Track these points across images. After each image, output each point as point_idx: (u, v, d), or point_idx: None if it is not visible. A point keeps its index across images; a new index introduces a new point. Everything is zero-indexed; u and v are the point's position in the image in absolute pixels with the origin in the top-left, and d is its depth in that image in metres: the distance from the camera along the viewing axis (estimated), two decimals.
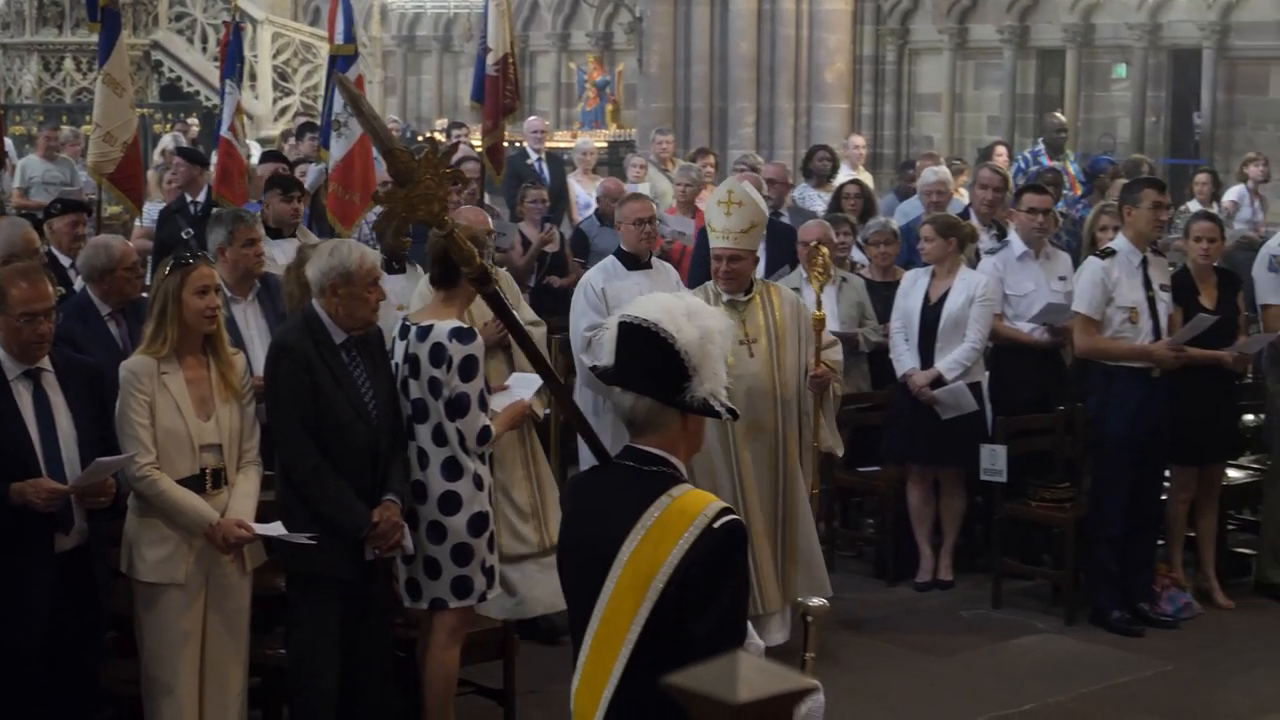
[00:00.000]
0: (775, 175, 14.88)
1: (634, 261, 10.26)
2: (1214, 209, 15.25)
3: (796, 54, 23.23)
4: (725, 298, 9.03)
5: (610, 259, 10.44)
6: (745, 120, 23.33)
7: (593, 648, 4.69)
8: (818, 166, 17.14)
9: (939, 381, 10.64)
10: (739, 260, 9.10)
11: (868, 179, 17.49)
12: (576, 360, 10.21)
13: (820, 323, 9.28)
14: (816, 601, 5.01)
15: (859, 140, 19.87)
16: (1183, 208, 13.88)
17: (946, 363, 10.64)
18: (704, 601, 4.52)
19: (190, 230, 13.02)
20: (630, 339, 4.70)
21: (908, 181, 16.16)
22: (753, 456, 9.06)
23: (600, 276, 10.22)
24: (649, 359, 4.65)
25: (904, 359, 10.84)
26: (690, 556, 4.54)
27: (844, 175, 16.81)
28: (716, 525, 4.56)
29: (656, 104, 23.49)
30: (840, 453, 9.85)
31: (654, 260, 10.51)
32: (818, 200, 16.03)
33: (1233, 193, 17.67)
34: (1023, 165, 18.07)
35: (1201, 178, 17.34)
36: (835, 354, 9.45)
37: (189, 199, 14.00)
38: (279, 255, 10.11)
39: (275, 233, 10.74)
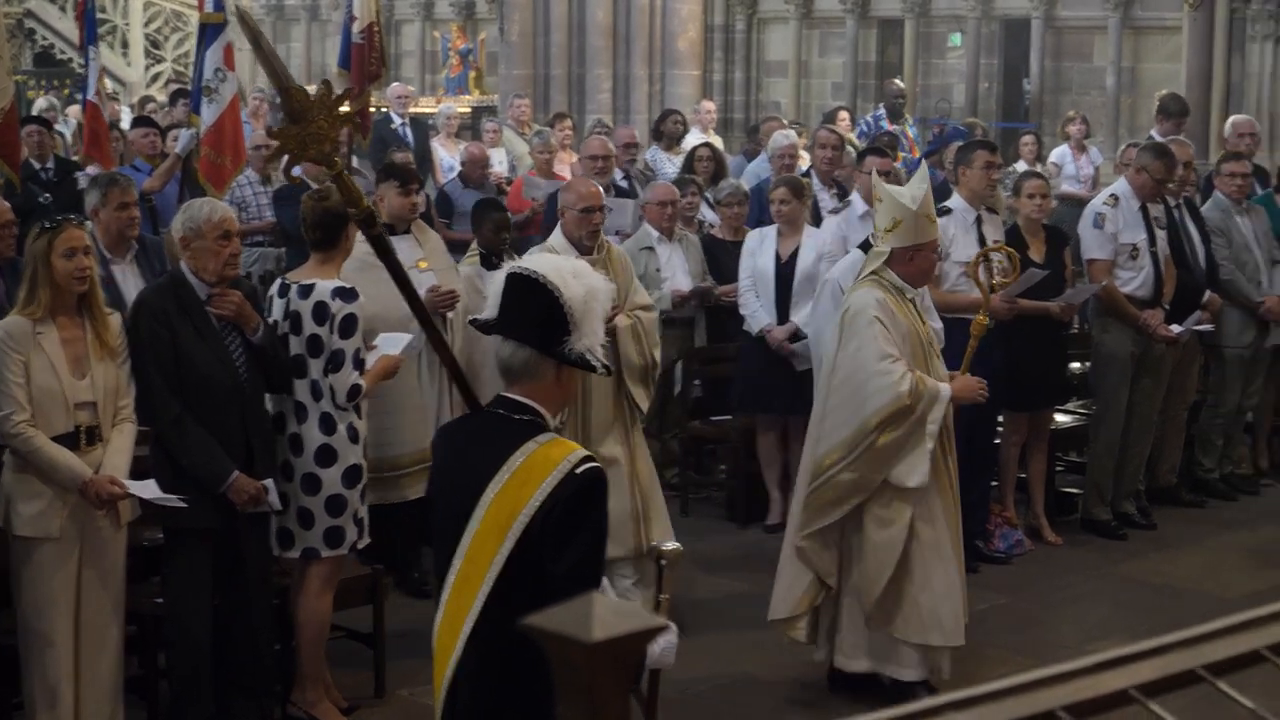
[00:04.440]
0: (626, 139, 14.91)
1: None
2: (1039, 168, 15.40)
3: (651, 23, 23.21)
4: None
5: (857, 254, 9.41)
6: (602, 86, 23.29)
7: (454, 586, 4.70)
8: (669, 130, 17.16)
9: (796, 335, 10.70)
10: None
11: (718, 142, 17.50)
12: None
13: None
14: (670, 545, 5.05)
15: (709, 105, 19.89)
16: (1010, 168, 14.00)
17: (802, 317, 10.70)
18: (563, 543, 4.54)
19: (48, 195, 12.74)
20: (516, 290, 4.73)
21: (755, 144, 16.20)
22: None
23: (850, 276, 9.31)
24: (533, 310, 4.68)
25: (759, 315, 10.87)
26: (552, 500, 4.56)
27: (694, 139, 16.81)
28: (579, 471, 4.60)
29: (517, 71, 23.40)
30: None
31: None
32: (669, 163, 16.04)
33: (1056, 154, 17.86)
34: (865, 129, 18.18)
35: (1027, 139, 17.53)
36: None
37: (38, 166, 13.61)
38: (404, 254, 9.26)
39: (390, 229, 9.12)
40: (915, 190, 7.79)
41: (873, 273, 7.75)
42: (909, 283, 7.77)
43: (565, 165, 15.38)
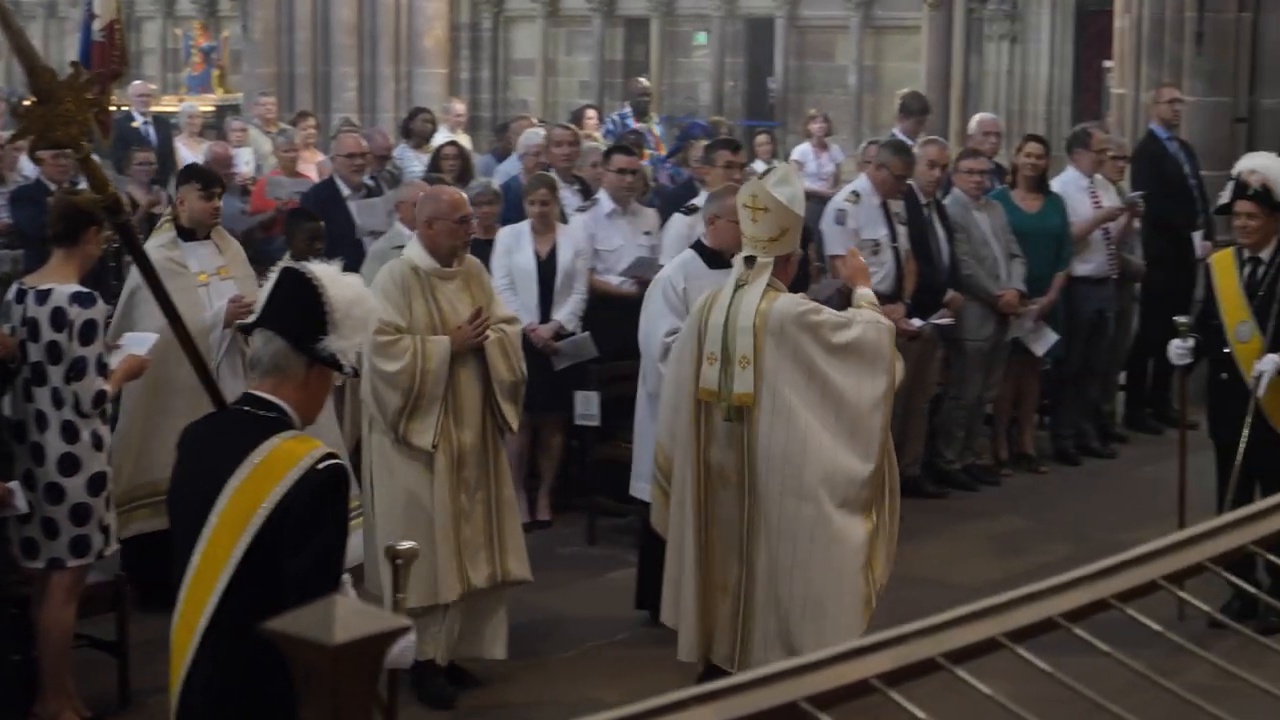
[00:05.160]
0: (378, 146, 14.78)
1: (716, 259, 8.78)
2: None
3: (397, 21, 23.09)
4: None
5: (690, 254, 8.99)
6: (348, 85, 23.10)
7: (191, 583, 4.63)
8: (418, 129, 17.09)
9: (559, 334, 10.69)
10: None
11: (466, 141, 17.46)
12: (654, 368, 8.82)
13: None
14: (405, 545, 5.02)
15: (460, 106, 19.84)
16: (748, 167, 14.14)
17: (565, 314, 10.71)
18: (302, 540, 4.50)
19: None
20: (285, 284, 4.72)
21: (505, 143, 16.18)
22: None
23: (681, 275, 8.80)
24: (296, 303, 4.67)
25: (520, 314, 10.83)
26: (291, 495, 4.52)
27: (442, 137, 16.75)
28: (320, 467, 4.56)
29: (261, 69, 23.13)
30: None
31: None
32: (416, 162, 15.94)
33: (798, 152, 18.08)
34: (612, 127, 18.24)
35: (762, 139, 17.69)
36: None
37: None
38: (193, 262, 8.88)
39: (190, 234, 9.00)
40: (799, 196, 7.79)
41: (770, 285, 7.68)
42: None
43: (310, 164, 15.23)
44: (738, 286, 7.66)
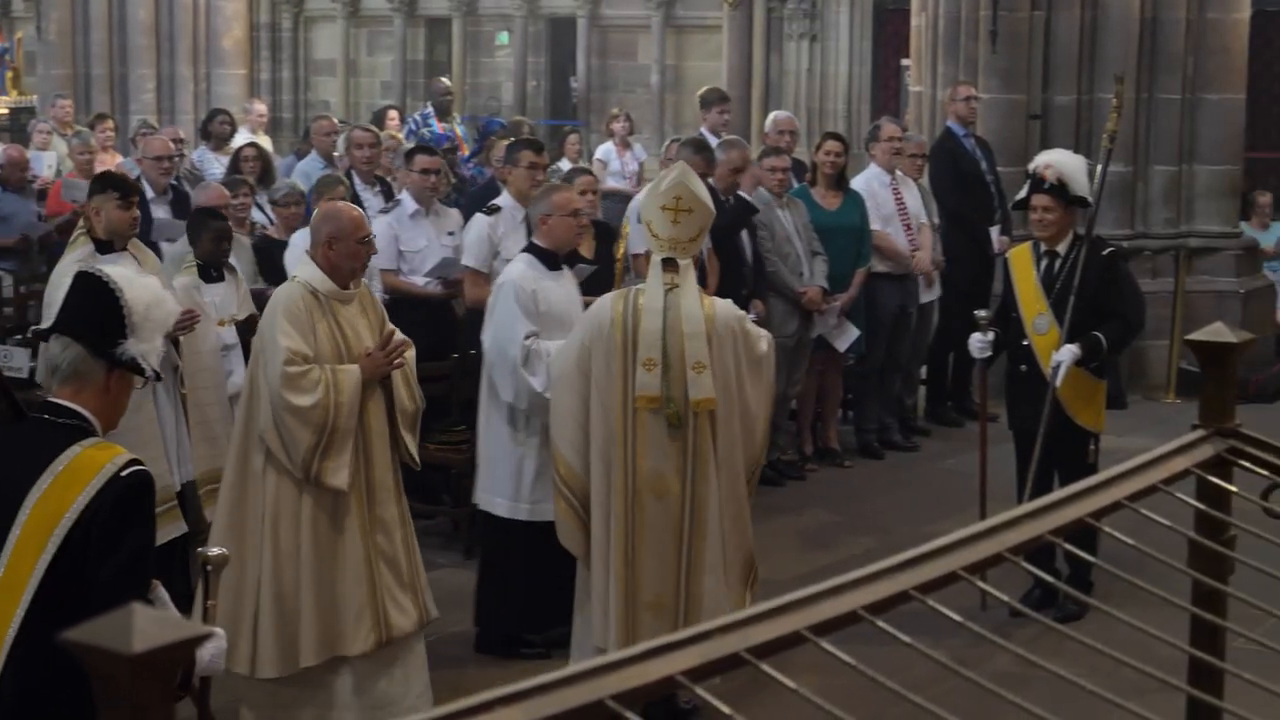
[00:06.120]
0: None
1: (553, 260, 8.67)
2: (584, 164, 15.59)
3: (195, 21, 22.78)
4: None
5: (528, 256, 8.66)
6: (146, 86, 22.76)
7: None
8: (217, 130, 16.90)
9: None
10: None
11: (267, 142, 17.29)
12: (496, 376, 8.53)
13: None
14: (215, 550, 4.96)
15: (261, 107, 19.62)
16: (553, 166, 14.14)
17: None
18: (108, 548, 4.45)
19: None
20: (80, 289, 4.67)
21: (307, 144, 16.05)
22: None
23: (528, 277, 8.50)
24: (93, 308, 4.61)
25: None
26: (96, 503, 4.47)
27: (243, 138, 16.57)
28: (124, 474, 4.50)
29: (57, 70, 22.71)
30: None
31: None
32: (216, 164, 15.76)
33: (601, 151, 18.13)
34: (414, 127, 18.16)
35: (573, 138, 17.76)
36: None
37: None
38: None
39: (107, 245, 8.61)
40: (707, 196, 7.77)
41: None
42: None
43: (108, 167, 14.98)
44: (666, 290, 7.52)
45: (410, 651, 7.59)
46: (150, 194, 11.76)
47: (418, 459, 7.67)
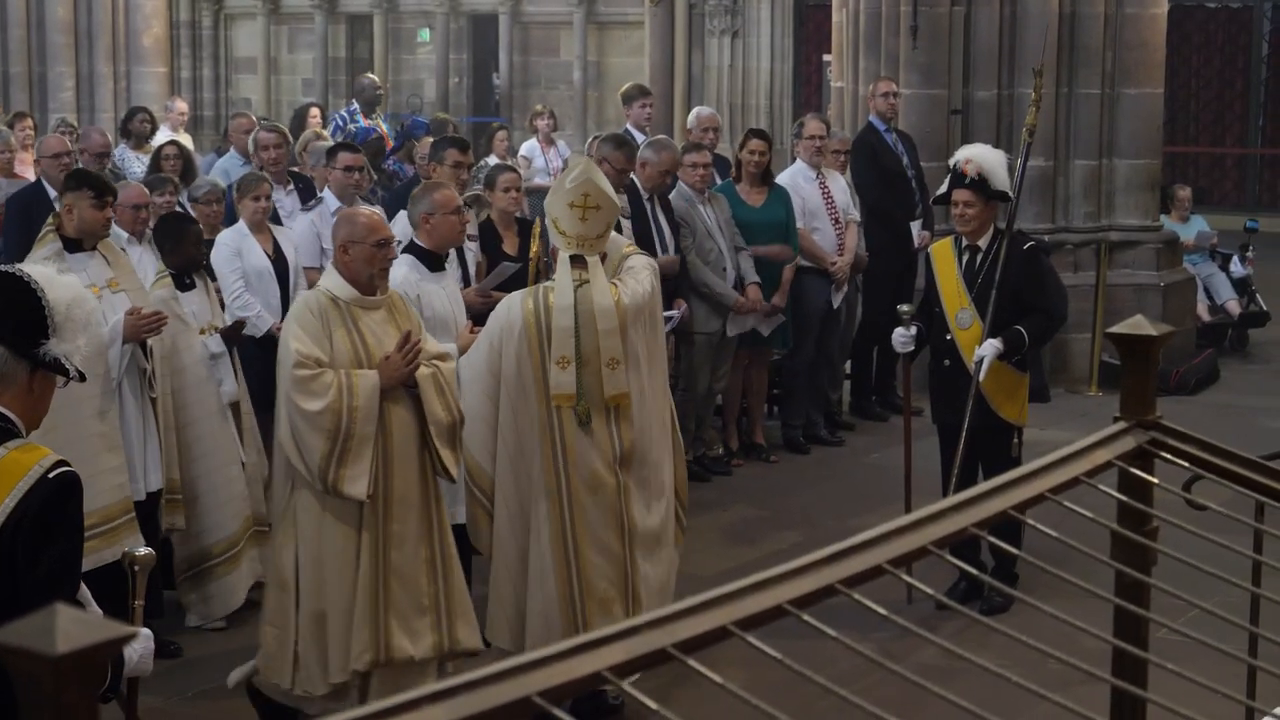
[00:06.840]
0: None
1: (436, 261, 8.53)
2: (511, 161, 15.59)
3: (114, 19, 22.66)
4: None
5: (411, 258, 8.41)
6: (65, 84, 22.61)
7: None
8: (137, 128, 16.79)
9: None
10: None
11: (187, 140, 17.17)
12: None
13: None
14: (142, 551, 4.93)
15: (182, 105, 19.50)
16: (481, 162, 14.12)
17: None
18: (37, 551, 4.43)
19: None
20: (1, 288, 4.62)
21: (226, 142, 15.97)
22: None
23: (414, 280, 8.30)
24: (13, 308, 4.56)
25: (264, 316, 10.58)
26: (24, 506, 4.43)
27: (164, 136, 16.46)
28: (52, 475, 4.48)
29: None
30: None
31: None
32: (137, 162, 15.65)
33: (525, 148, 18.12)
34: (340, 124, 18.09)
35: (501, 134, 17.74)
36: None
37: None
38: (83, 275, 7.77)
39: (78, 245, 8.37)
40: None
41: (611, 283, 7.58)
42: None
43: (27, 165, 14.87)
44: (576, 286, 7.46)
45: (419, 680, 6.96)
46: (52, 193, 11.64)
47: (455, 474, 7.31)
